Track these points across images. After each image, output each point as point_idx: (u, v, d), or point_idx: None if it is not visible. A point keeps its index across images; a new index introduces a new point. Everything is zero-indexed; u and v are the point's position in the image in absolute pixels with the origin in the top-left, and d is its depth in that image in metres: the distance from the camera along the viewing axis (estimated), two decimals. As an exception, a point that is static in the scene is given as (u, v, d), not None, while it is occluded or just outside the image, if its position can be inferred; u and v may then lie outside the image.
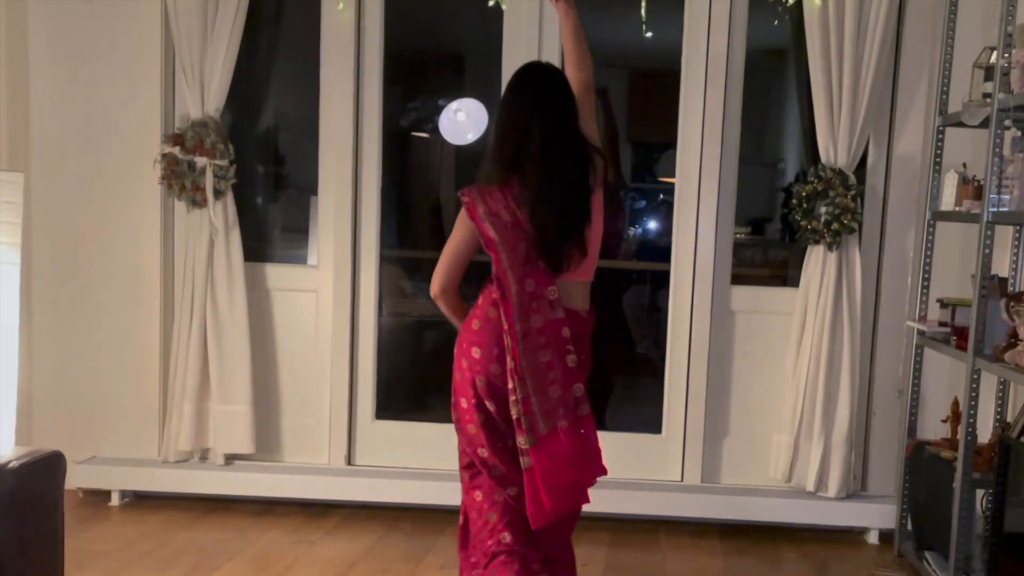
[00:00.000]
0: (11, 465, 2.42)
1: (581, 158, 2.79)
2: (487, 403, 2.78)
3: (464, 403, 2.83)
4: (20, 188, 2.70)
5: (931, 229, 3.96)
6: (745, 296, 4.38)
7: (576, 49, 2.94)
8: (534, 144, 2.74)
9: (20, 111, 4.29)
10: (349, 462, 4.48)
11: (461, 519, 2.95)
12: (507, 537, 2.79)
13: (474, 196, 2.78)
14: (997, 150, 3.32)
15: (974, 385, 3.41)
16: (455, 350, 2.86)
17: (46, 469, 2.51)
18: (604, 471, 2.82)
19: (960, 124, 3.70)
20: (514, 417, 2.71)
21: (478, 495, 2.86)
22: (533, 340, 2.70)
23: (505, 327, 2.71)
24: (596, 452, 2.79)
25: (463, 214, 2.83)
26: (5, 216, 2.63)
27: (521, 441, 2.70)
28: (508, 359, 2.71)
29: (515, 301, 2.71)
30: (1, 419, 2.67)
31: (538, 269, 2.74)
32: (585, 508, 2.89)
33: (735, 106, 4.26)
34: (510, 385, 2.71)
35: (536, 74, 2.89)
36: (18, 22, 4.25)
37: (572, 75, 2.91)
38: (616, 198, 4.79)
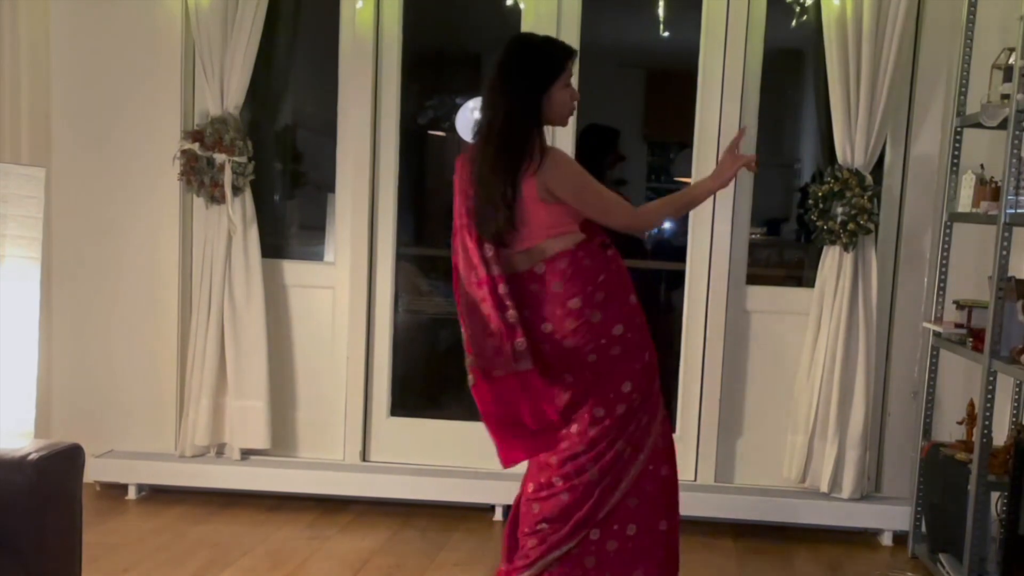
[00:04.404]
0: (31, 457, 2.44)
1: (518, 143, 2.83)
2: None
3: None
4: (42, 183, 2.73)
5: (948, 230, 3.94)
6: (760, 296, 4.38)
7: (667, 209, 3.04)
8: (485, 121, 2.89)
9: (41, 106, 4.33)
10: (364, 458, 4.50)
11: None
12: (544, 526, 2.95)
13: (462, 157, 2.99)
14: (1015, 151, 3.31)
15: (990, 387, 3.40)
16: None
17: (65, 462, 2.54)
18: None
19: (978, 125, 3.69)
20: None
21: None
22: (471, 294, 2.88)
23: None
24: (540, 410, 2.88)
25: None
26: (27, 210, 2.66)
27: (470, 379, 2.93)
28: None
29: (460, 257, 2.92)
30: (21, 412, 2.70)
31: (474, 232, 2.89)
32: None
33: (752, 106, 4.26)
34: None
35: (505, 51, 2.93)
36: (40, 18, 4.28)
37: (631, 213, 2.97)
38: None
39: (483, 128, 2.89)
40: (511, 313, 2.83)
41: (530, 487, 3.01)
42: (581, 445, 2.91)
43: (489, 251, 2.87)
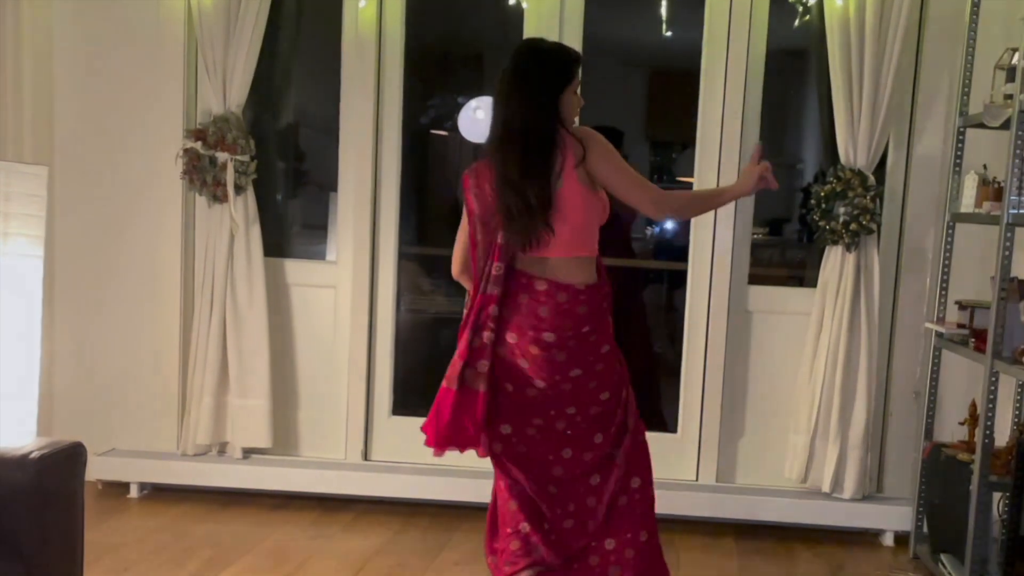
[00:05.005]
0: (33, 455, 2.44)
1: (544, 143, 2.78)
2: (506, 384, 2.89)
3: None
4: (44, 182, 2.73)
5: (950, 231, 3.94)
6: (762, 296, 4.38)
7: (693, 202, 3.14)
8: (501, 126, 2.81)
9: (44, 105, 4.33)
10: (365, 457, 4.50)
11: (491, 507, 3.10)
12: (526, 527, 2.93)
13: (472, 172, 2.91)
14: (1018, 152, 3.31)
15: (992, 387, 3.40)
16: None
17: (67, 460, 2.54)
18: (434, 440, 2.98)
19: (981, 125, 3.68)
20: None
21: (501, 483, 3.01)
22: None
23: (471, 292, 2.95)
24: (460, 426, 2.93)
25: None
26: (29, 209, 2.67)
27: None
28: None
29: (481, 271, 2.87)
30: (23, 410, 2.71)
31: (497, 245, 2.83)
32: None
33: (754, 106, 4.26)
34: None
35: (519, 56, 2.88)
36: (43, 17, 4.29)
37: (659, 195, 2.89)
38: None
39: (499, 132, 2.81)
40: (487, 335, 2.82)
41: (501, 484, 3.01)
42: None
43: (498, 269, 2.82)
